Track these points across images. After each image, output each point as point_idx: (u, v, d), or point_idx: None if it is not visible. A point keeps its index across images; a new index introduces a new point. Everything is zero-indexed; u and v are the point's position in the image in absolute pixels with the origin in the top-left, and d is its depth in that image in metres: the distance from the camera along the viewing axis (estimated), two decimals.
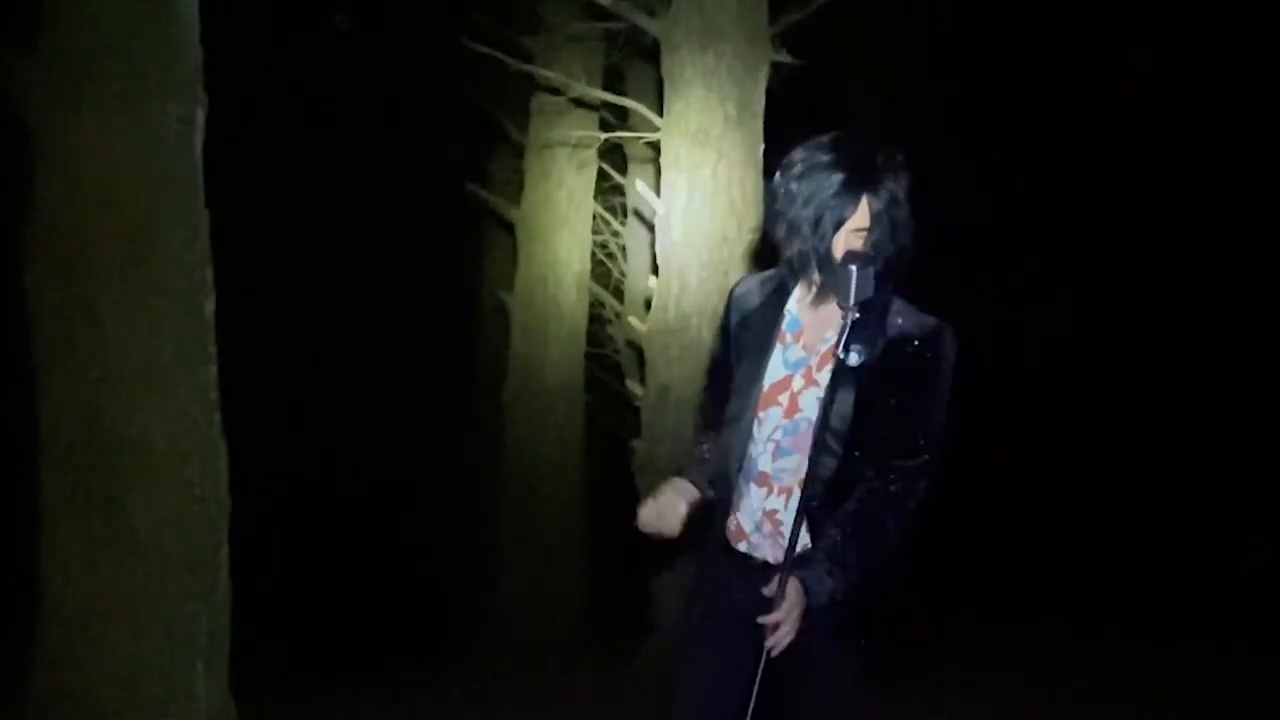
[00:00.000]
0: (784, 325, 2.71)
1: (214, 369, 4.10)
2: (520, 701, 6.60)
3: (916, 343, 2.59)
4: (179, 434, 3.94)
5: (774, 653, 2.50)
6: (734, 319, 2.80)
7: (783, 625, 2.50)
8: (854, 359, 2.53)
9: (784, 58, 5.59)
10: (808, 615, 2.53)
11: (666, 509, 2.71)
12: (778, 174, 2.61)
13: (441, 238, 11.85)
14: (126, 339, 3.88)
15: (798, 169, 2.57)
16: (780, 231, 2.61)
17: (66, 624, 3.90)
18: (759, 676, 2.50)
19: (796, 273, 2.63)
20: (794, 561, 2.52)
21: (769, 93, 5.54)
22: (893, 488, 2.59)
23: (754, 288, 2.80)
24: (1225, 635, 8.09)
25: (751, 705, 2.50)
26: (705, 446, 2.84)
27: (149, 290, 3.91)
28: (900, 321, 2.61)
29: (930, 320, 2.62)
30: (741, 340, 2.77)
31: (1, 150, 4.33)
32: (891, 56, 10.93)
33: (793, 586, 2.51)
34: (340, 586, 11.19)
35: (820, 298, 2.65)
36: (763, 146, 5.51)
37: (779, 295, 2.74)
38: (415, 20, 9.27)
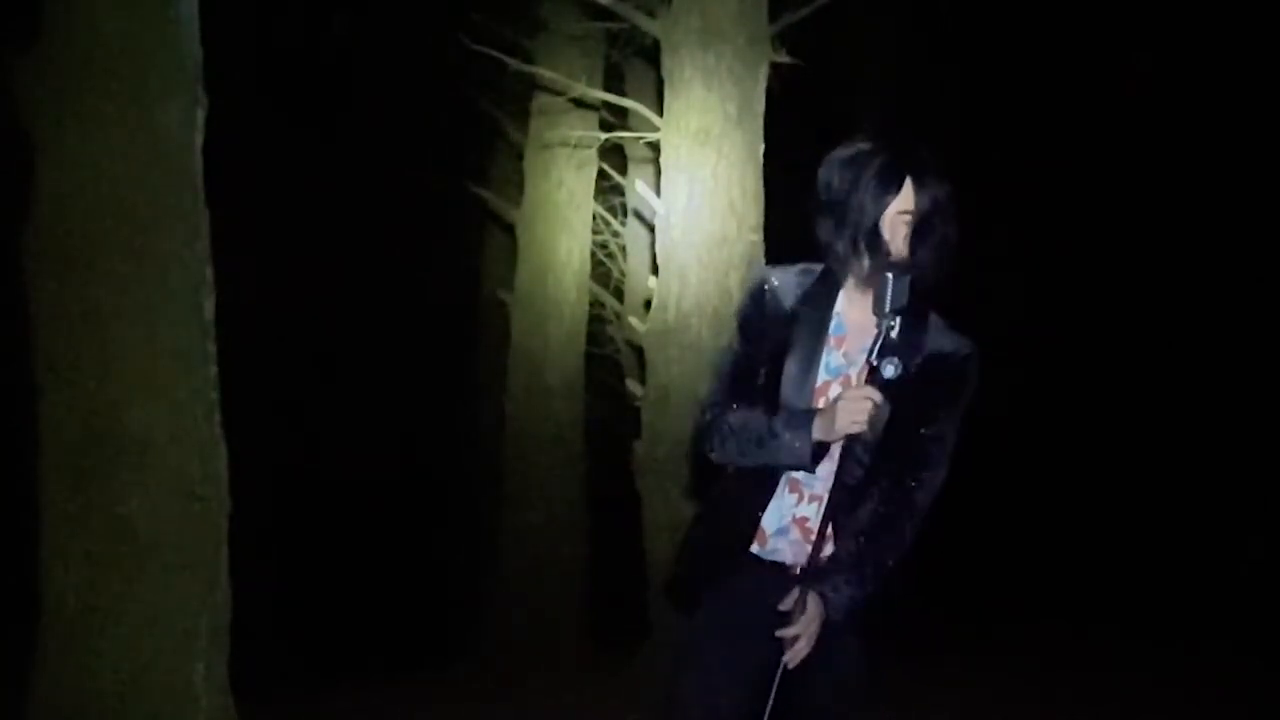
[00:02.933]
0: (830, 328, 2.67)
1: (214, 369, 4.10)
2: (520, 701, 6.61)
3: (951, 362, 2.62)
4: (179, 434, 3.94)
5: (790, 665, 2.52)
6: (769, 311, 2.69)
7: (801, 639, 2.52)
8: (890, 372, 2.54)
9: (784, 58, 5.59)
10: (825, 626, 2.55)
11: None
12: (820, 172, 2.61)
13: (441, 238, 11.84)
14: (126, 339, 3.88)
15: (840, 160, 2.59)
16: (826, 226, 2.60)
17: (66, 624, 3.89)
18: (774, 689, 2.51)
19: (844, 264, 2.60)
20: (812, 574, 2.53)
21: (769, 93, 5.54)
22: (908, 497, 2.61)
23: (791, 281, 2.71)
24: (1225, 635, 8.09)
25: (766, 716, 2.51)
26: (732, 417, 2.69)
27: (149, 290, 3.90)
28: (937, 339, 2.63)
29: (965, 342, 2.65)
30: (781, 335, 2.68)
31: (1, 150, 4.33)
32: (891, 56, 10.93)
33: (812, 600, 2.52)
34: (340, 586, 11.19)
35: (866, 302, 2.60)
36: (763, 146, 5.51)
37: (826, 292, 2.68)
38: (415, 20, 9.27)
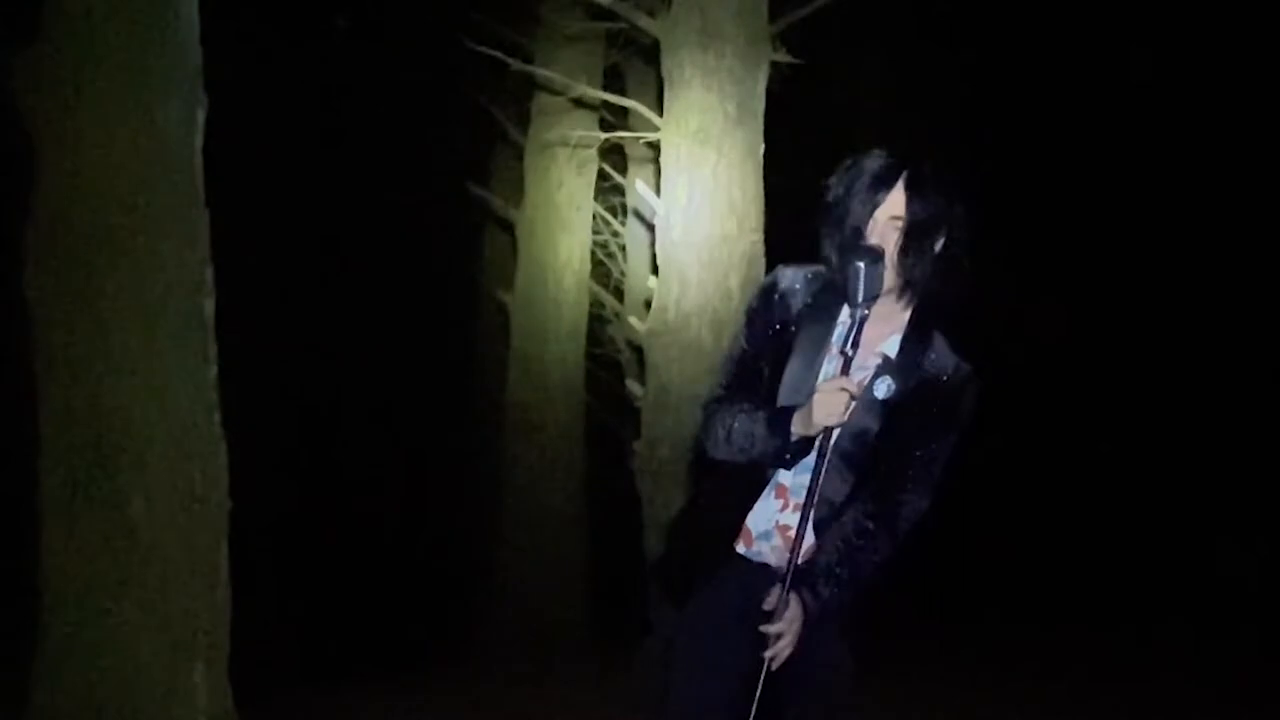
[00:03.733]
0: (834, 336, 2.63)
1: (214, 369, 4.10)
2: (520, 701, 6.61)
3: (947, 388, 2.60)
4: (179, 434, 3.94)
5: (774, 665, 2.52)
6: (777, 310, 2.67)
7: (783, 638, 2.52)
8: (883, 392, 2.54)
9: (784, 58, 5.60)
10: (805, 626, 2.54)
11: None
12: (828, 183, 2.60)
13: (441, 238, 11.84)
14: (127, 340, 3.89)
15: (842, 169, 2.58)
16: (824, 233, 2.59)
17: (67, 624, 3.90)
18: (759, 687, 2.51)
19: (835, 271, 2.57)
20: (794, 576, 2.53)
21: (769, 93, 5.54)
22: (890, 514, 2.60)
23: (802, 283, 2.68)
24: (1225, 636, 8.10)
25: (752, 716, 2.51)
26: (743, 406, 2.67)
27: (149, 290, 3.91)
28: (936, 361, 2.60)
29: (965, 367, 2.62)
30: (786, 336, 2.65)
31: (2, 150, 4.33)
32: (891, 56, 10.94)
33: (794, 600, 2.53)
34: (341, 587, 11.19)
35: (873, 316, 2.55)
36: (763, 146, 5.51)
37: (831, 297, 2.64)
38: (415, 20, 9.27)
